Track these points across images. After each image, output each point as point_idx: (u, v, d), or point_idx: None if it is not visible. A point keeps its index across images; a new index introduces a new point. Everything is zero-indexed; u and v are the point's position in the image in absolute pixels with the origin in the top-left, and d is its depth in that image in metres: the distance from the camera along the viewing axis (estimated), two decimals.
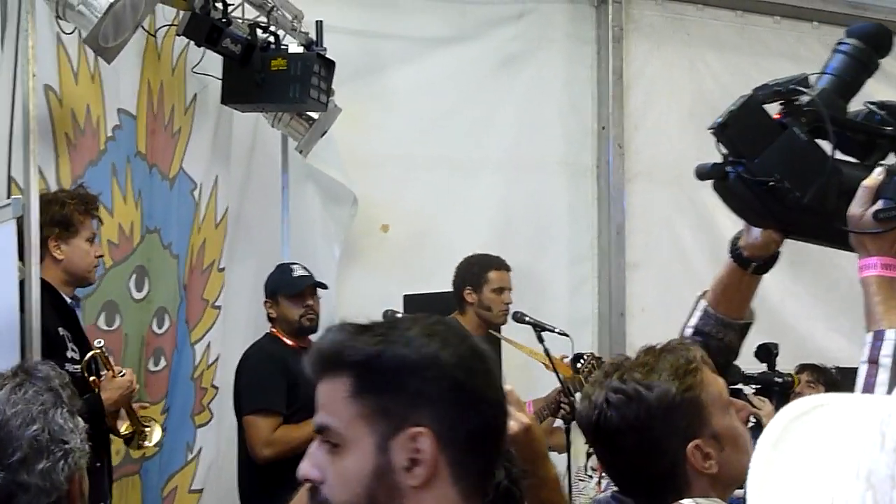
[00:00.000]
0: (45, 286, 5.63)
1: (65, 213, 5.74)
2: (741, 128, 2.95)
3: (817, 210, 3.00)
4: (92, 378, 5.69)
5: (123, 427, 5.92)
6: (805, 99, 3.03)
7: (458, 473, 2.08)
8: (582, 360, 7.45)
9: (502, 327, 7.81)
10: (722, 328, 3.36)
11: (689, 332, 3.35)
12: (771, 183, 2.93)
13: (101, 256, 6.03)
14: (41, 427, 2.77)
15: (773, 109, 3.11)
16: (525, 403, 3.09)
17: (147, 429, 6.07)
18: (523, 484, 2.73)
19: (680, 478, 2.83)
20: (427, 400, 2.07)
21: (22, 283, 5.32)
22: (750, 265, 3.37)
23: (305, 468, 2.12)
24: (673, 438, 2.84)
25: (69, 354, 5.61)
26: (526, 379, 7.52)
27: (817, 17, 9.87)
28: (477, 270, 7.65)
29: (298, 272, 7.01)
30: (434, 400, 2.07)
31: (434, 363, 2.07)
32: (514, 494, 2.66)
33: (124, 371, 5.83)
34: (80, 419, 2.83)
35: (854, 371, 8.62)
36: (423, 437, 2.04)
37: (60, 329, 5.62)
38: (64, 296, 5.77)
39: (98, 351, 5.72)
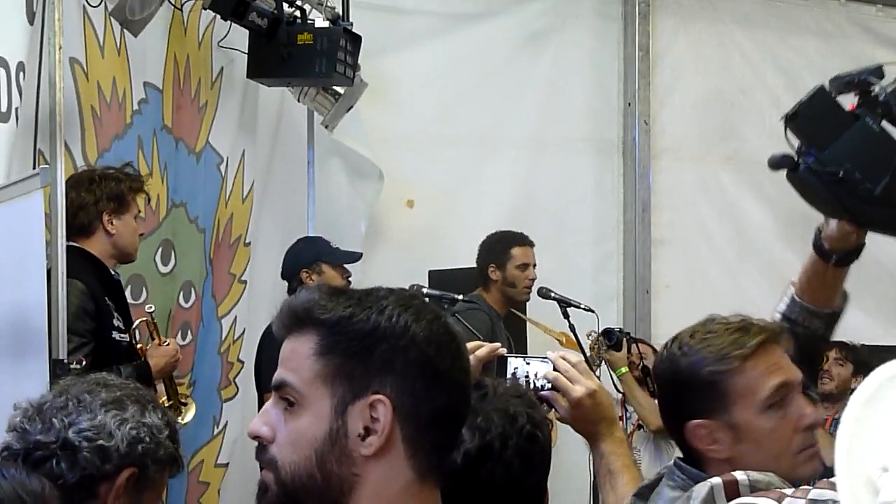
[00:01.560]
0: (91, 258, 5.71)
1: (121, 189, 5.82)
2: (811, 118, 2.89)
3: (889, 202, 2.94)
4: (140, 345, 5.81)
5: (161, 401, 5.96)
6: (879, 89, 2.90)
7: (414, 449, 2.03)
8: (607, 337, 7.45)
9: (527, 304, 7.82)
10: (808, 316, 3.37)
11: (777, 317, 3.35)
12: (841, 174, 2.86)
13: (143, 234, 6.08)
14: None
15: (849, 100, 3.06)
16: (592, 373, 3.11)
17: (184, 405, 6.12)
18: (547, 428, 2.76)
19: (694, 452, 2.85)
20: (392, 369, 2.02)
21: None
22: (831, 257, 3.35)
23: (256, 425, 2.08)
24: (680, 410, 2.87)
25: (115, 323, 5.67)
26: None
27: None
28: (500, 247, 7.64)
29: (333, 244, 7.03)
30: (399, 371, 2.02)
31: (404, 334, 2.03)
32: (538, 437, 2.68)
33: (168, 340, 5.95)
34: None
35: (881, 349, 8.63)
36: (382, 406, 2.00)
37: (106, 298, 5.67)
38: (109, 268, 5.82)
39: (146, 318, 5.82)
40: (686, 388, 2.85)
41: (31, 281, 4.89)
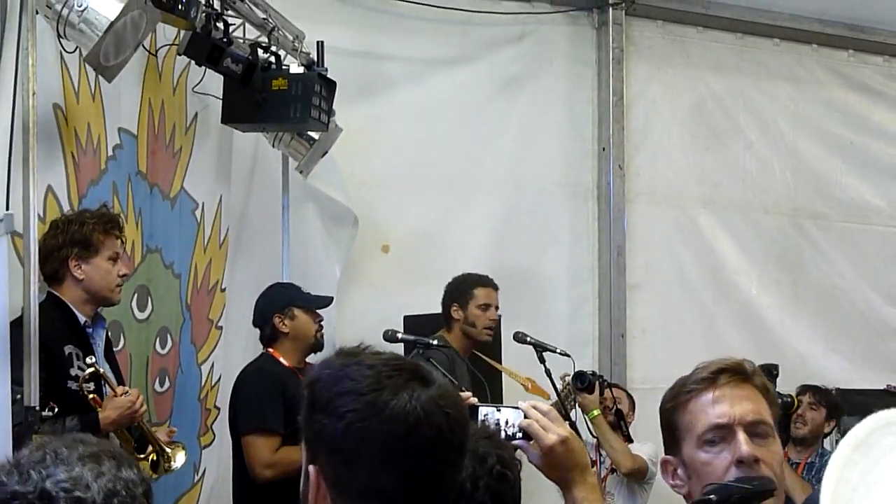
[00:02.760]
0: (60, 304, 5.63)
1: (84, 233, 5.68)
2: None
3: None
4: (91, 396, 5.61)
5: (148, 451, 5.88)
6: None
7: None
8: (580, 381, 7.44)
9: (501, 348, 7.81)
10: None
11: None
12: None
13: (125, 275, 5.94)
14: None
15: None
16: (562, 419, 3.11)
17: (169, 451, 6.01)
18: (516, 468, 2.78)
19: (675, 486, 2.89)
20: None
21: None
22: None
23: None
24: (664, 447, 2.96)
25: (73, 373, 5.56)
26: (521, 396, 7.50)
27: (816, 40, 9.93)
28: (463, 287, 7.64)
29: (304, 290, 7.00)
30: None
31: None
32: (508, 476, 2.68)
33: (130, 391, 5.76)
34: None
35: (855, 392, 8.65)
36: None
37: (67, 348, 5.56)
38: (79, 314, 5.72)
39: (94, 369, 5.63)
40: (661, 426, 2.93)
41: None
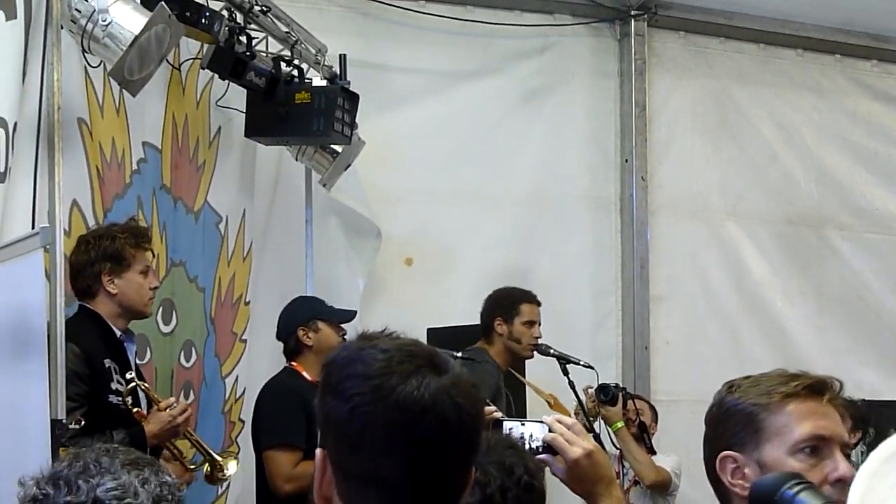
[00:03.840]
0: (95, 318, 5.66)
1: (116, 247, 5.69)
2: None
3: None
4: (136, 409, 5.66)
5: (202, 461, 5.93)
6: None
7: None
8: (604, 394, 7.43)
9: (527, 361, 7.80)
10: None
11: None
12: None
13: (156, 288, 5.94)
14: None
15: None
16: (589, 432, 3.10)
17: (221, 460, 6.05)
18: (542, 478, 2.76)
19: (720, 484, 2.80)
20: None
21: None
22: None
23: None
24: (717, 440, 2.82)
25: (114, 387, 5.59)
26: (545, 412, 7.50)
27: (840, 50, 9.89)
28: (509, 302, 7.56)
29: (328, 303, 6.99)
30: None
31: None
32: (535, 486, 2.68)
33: (175, 403, 5.81)
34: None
35: (881, 404, 8.61)
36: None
37: (107, 361, 5.60)
38: (115, 328, 5.75)
39: (136, 383, 5.68)
40: (725, 419, 2.80)
41: (32, 343, 4.86)
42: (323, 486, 2.17)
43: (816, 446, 2.70)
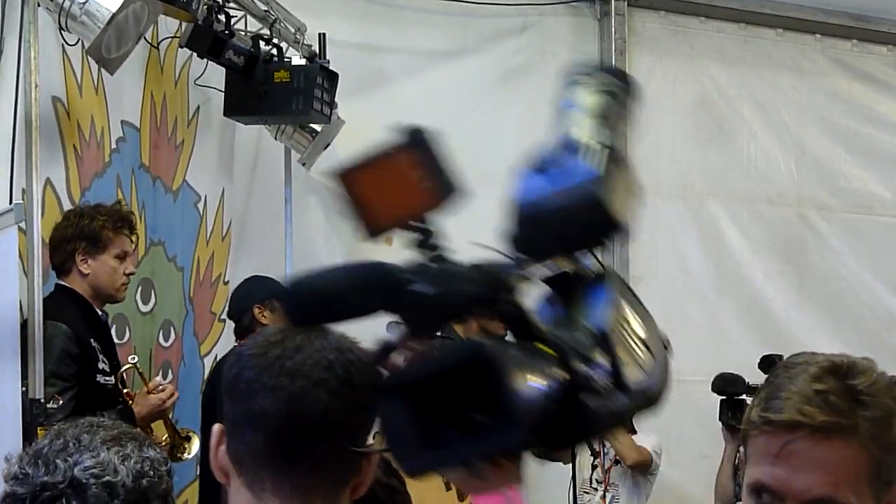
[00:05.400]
0: (78, 298, 5.65)
1: (93, 228, 5.68)
2: None
3: None
4: (126, 390, 5.69)
5: (163, 439, 5.92)
6: None
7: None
8: None
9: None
10: None
11: None
12: None
13: (132, 273, 5.91)
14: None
15: None
16: None
17: (187, 441, 6.05)
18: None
19: None
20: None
21: None
22: None
23: None
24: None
25: (100, 366, 5.59)
26: None
27: (820, 30, 9.88)
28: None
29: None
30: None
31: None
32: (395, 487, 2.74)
33: (164, 386, 5.82)
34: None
35: None
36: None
37: (92, 340, 5.59)
38: (96, 308, 5.74)
39: (131, 365, 5.71)
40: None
41: (4, 319, 4.84)
42: (218, 456, 2.14)
43: (763, 499, 2.20)
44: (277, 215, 7.73)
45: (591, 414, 1.87)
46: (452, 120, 8.63)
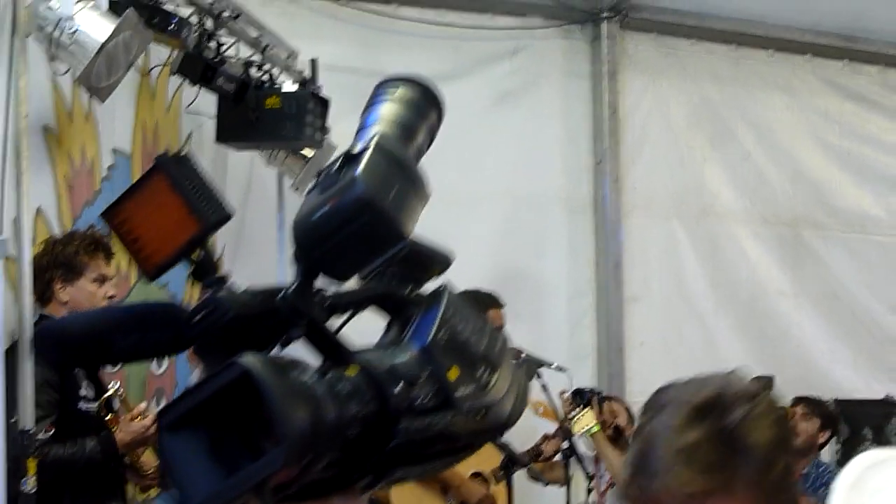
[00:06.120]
0: None
1: (67, 254, 5.64)
2: None
3: None
4: (109, 416, 5.65)
5: (152, 467, 5.89)
6: None
7: None
8: (580, 397, 7.42)
9: None
10: None
11: None
12: None
13: (112, 297, 5.85)
14: None
15: None
16: None
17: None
18: None
19: None
20: None
21: None
22: None
23: None
24: None
25: (82, 393, 5.56)
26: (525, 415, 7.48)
27: (811, 50, 9.93)
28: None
29: None
30: None
31: None
32: None
33: (147, 411, 5.77)
34: None
35: (855, 403, 8.59)
36: None
37: (75, 368, 5.56)
38: None
39: (112, 392, 5.68)
40: None
41: None
42: None
43: None
44: (270, 240, 7.73)
45: (409, 434, 1.80)
46: (445, 142, 8.56)
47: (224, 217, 1.87)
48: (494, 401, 1.89)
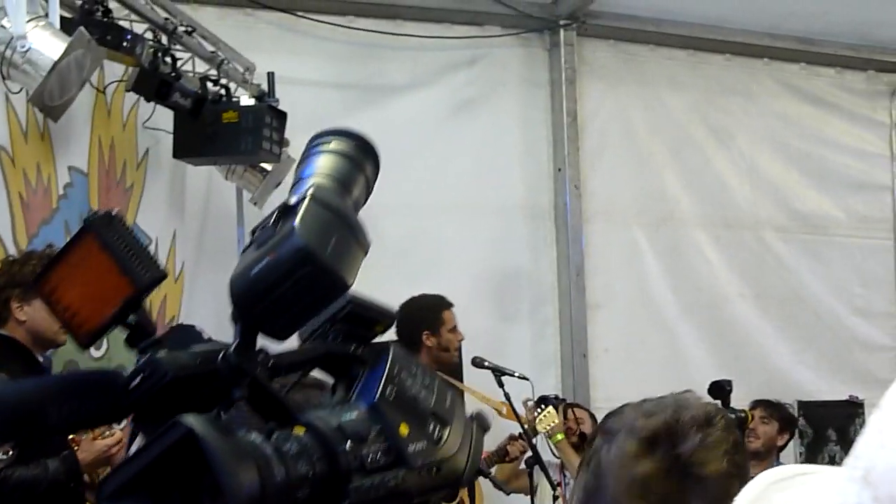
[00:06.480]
0: (16, 345, 5.55)
1: (24, 274, 5.55)
2: None
3: None
4: (72, 436, 5.60)
5: None
6: None
7: None
8: (544, 404, 7.41)
9: (463, 372, 7.78)
10: None
11: None
12: None
13: None
14: None
15: None
16: None
17: None
18: None
19: None
20: None
21: None
22: None
23: None
24: None
25: None
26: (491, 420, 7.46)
27: (768, 54, 9.96)
28: (432, 313, 7.44)
29: (206, 336, 6.81)
30: None
31: None
32: None
33: (113, 431, 5.73)
34: None
35: (817, 404, 8.62)
36: None
37: None
38: (35, 354, 5.66)
39: None
40: None
41: None
42: None
43: None
44: (231, 255, 7.71)
45: (360, 494, 1.79)
46: (406, 153, 8.67)
47: (158, 277, 1.83)
48: (447, 456, 1.84)
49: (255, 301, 1.69)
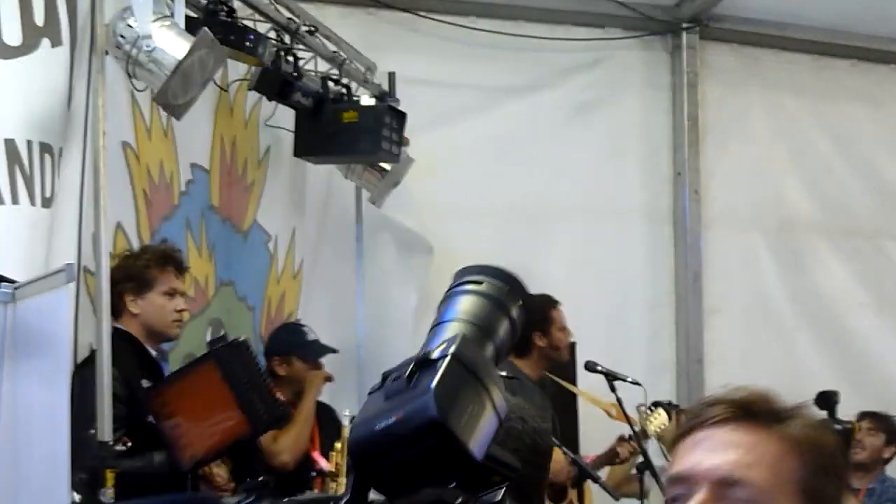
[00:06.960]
0: (131, 339, 5.63)
1: (138, 267, 5.69)
2: None
3: None
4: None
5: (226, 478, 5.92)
6: None
7: None
8: (655, 409, 7.37)
9: (576, 375, 7.76)
10: None
11: None
12: None
13: (183, 310, 5.85)
14: None
15: None
16: None
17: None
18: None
19: None
20: None
21: None
22: None
23: None
24: None
25: None
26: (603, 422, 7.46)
27: (893, 60, 9.81)
28: (541, 313, 7.38)
29: (311, 336, 6.89)
30: None
31: None
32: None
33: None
34: None
35: None
36: None
37: (144, 381, 5.59)
38: (149, 348, 5.74)
39: None
40: None
41: (56, 377, 4.85)
42: None
43: (678, 493, 1.96)
44: (349, 253, 7.79)
45: None
46: (525, 154, 8.70)
47: (276, 420, 1.80)
48: None
49: (374, 458, 1.62)
